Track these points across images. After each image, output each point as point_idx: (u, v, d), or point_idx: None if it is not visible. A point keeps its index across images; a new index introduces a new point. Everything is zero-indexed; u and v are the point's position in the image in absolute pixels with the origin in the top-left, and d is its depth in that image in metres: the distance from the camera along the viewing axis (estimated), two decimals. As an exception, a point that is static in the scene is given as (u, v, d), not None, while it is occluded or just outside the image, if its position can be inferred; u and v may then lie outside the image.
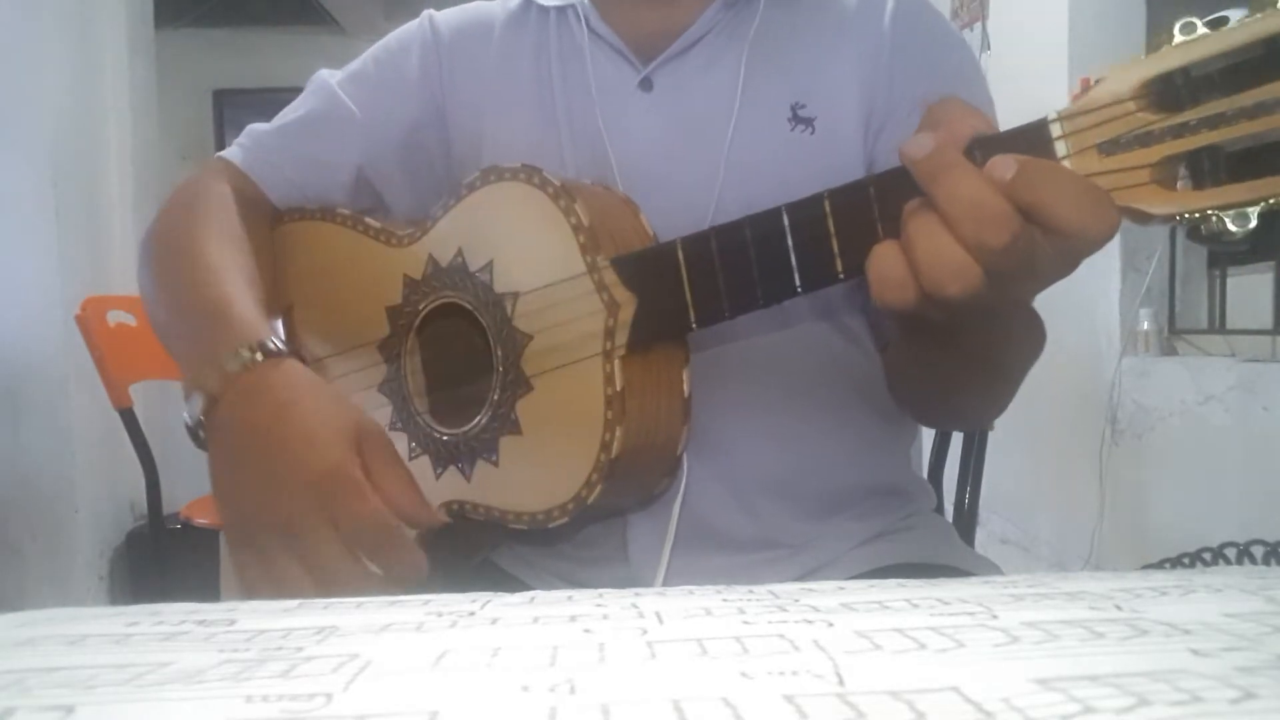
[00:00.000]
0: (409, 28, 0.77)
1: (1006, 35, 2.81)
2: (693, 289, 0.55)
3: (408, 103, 0.74)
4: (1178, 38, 0.41)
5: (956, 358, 0.58)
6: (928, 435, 0.90)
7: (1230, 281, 2.18)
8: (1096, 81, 0.44)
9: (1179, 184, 0.42)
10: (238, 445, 0.54)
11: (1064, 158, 0.44)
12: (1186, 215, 0.42)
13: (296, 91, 0.78)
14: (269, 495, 0.52)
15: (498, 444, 0.62)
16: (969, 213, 0.42)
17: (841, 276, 0.50)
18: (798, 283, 0.52)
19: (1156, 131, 0.42)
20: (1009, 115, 0.70)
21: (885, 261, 0.45)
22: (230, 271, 0.63)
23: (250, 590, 0.55)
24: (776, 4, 0.70)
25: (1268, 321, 1.99)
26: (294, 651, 0.26)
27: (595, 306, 0.58)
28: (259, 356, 0.55)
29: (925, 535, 0.73)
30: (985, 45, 2.85)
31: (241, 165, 0.74)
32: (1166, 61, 0.41)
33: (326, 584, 0.52)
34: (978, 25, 2.91)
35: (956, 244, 0.43)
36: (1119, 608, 0.28)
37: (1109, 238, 0.43)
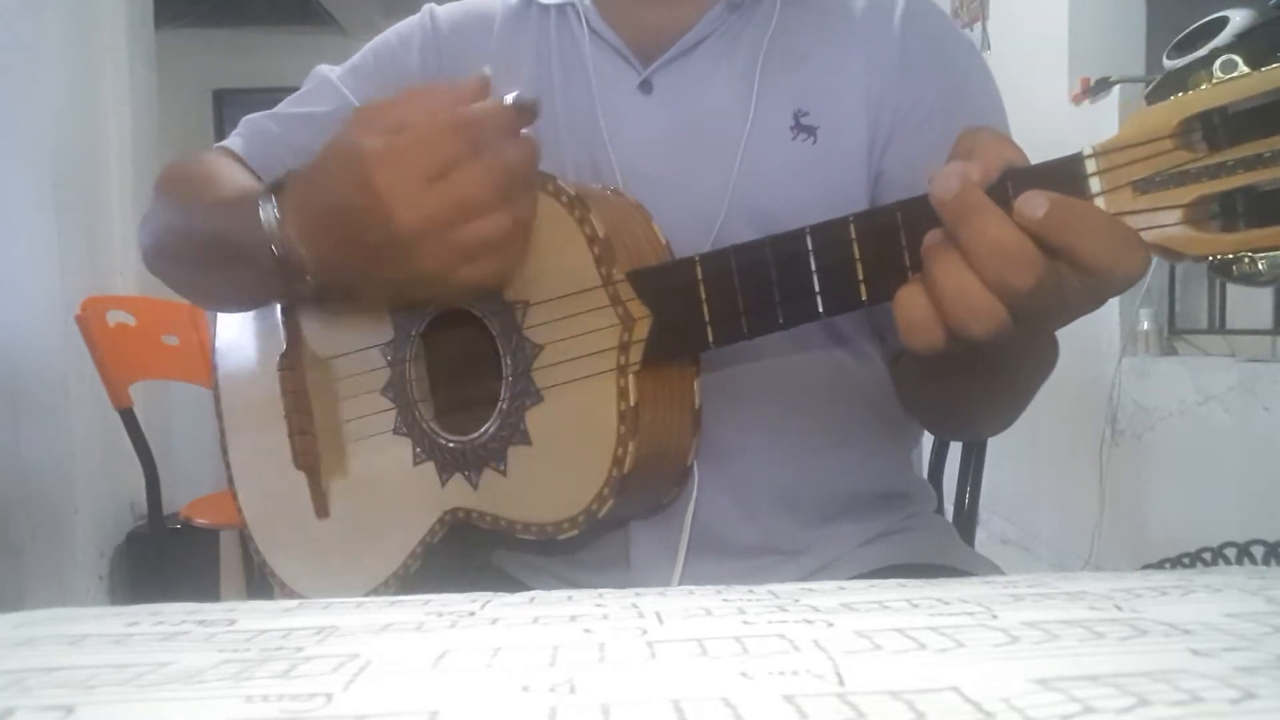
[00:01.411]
0: (409, 22, 0.77)
1: (1006, 35, 2.81)
2: (711, 308, 0.54)
3: None
4: (1217, 75, 0.41)
5: (972, 378, 0.58)
6: (928, 436, 0.90)
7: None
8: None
9: (1211, 223, 0.41)
10: (339, 214, 0.53)
11: (1098, 194, 0.43)
12: (1218, 256, 0.41)
13: (296, 92, 0.77)
14: (402, 206, 0.51)
15: (506, 453, 0.62)
16: (994, 254, 0.42)
17: (865, 302, 0.50)
18: (820, 306, 0.51)
19: (1193, 170, 0.41)
20: (1009, 115, 0.70)
21: (911, 305, 0.45)
22: (244, 175, 0.67)
23: (459, 278, 0.53)
24: (784, 9, 0.69)
25: (1268, 321, 1.99)
26: (294, 651, 0.26)
27: (610, 320, 0.57)
28: (271, 198, 0.56)
29: (926, 536, 0.72)
30: (985, 45, 2.85)
31: (242, 154, 0.74)
32: (1205, 100, 0.41)
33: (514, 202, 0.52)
34: (978, 25, 2.91)
35: (981, 285, 0.42)
36: (1119, 608, 0.28)
37: (1138, 279, 0.43)
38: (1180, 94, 0.42)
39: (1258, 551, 1.63)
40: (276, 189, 0.56)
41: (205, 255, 0.67)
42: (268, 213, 0.56)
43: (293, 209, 0.55)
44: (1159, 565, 1.81)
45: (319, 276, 0.56)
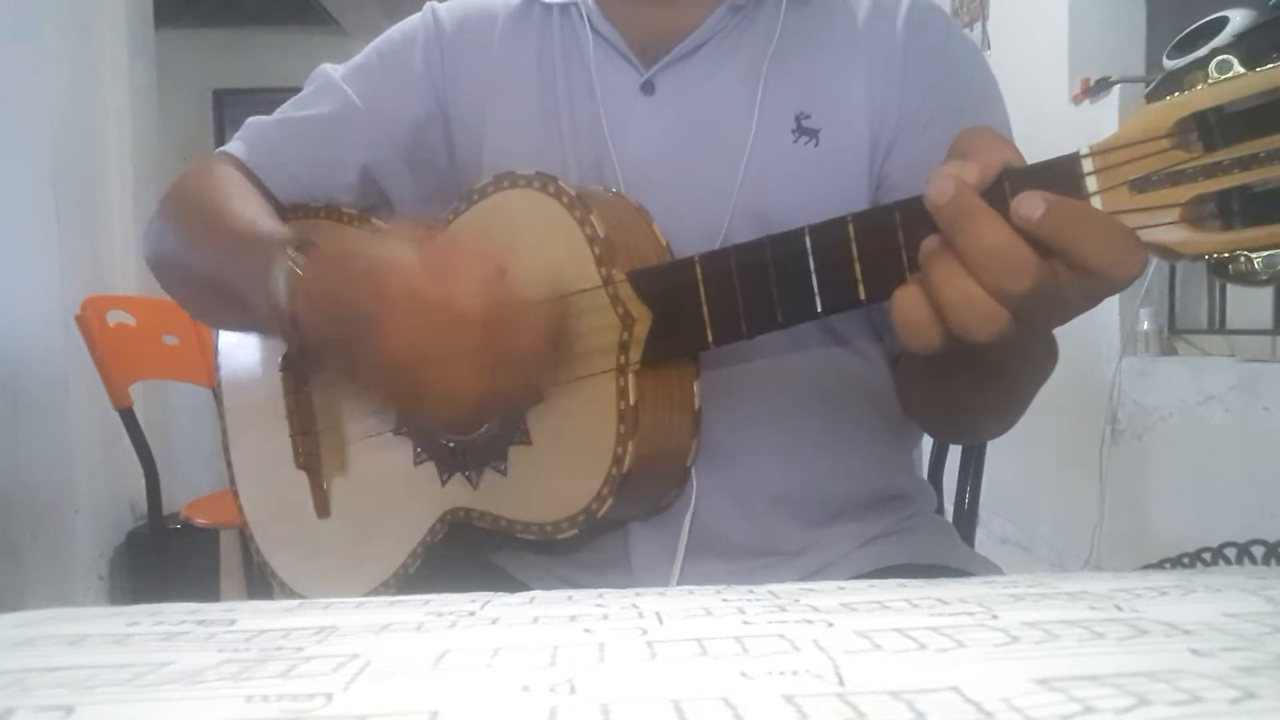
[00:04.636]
0: (412, 20, 0.76)
1: (1006, 35, 2.81)
2: (711, 307, 0.55)
3: (412, 96, 0.73)
4: (1213, 75, 0.41)
5: (971, 379, 0.58)
6: (929, 436, 0.90)
7: (1230, 281, 2.17)
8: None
9: (1208, 223, 0.42)
10: (350, 322, 0.51)
11: (1094, 193, 0.43)
12: (1215, 255, 0.41)
13: (296, 92, 0.77)
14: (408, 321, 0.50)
15: (506, 453, 0.62)
16: (990, 260, 0.42)
17: (863, 301, 0.50)
18: (819, 306, 0.51)
19: (1189, 170, 0.41)
20: (1009, 115, 0.70)
21: (908, 307, 0.45)
22: (254, 205, 0.65)
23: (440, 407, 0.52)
24: (787, 11, 0.69)
25: (1268, 321, 1.99)
26: (294, 651, 0.26)
27: (610, 320, 0.57)
28: (298, 255, 0.54)
29: (926, 536, 0.72)
30: (985, 45, 2.85)
31: (245, 160, 0.73)
32: (1201, 100, 0.41)
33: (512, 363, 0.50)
34: (978, 25, 2.91)
35: (982, 290, 0.43)
36: (1119, 608, 0.28)
37: (1136, 278, 0.43)
38: (1176, 94, 0.42)
39: (1258, 551, 1.63)
40: (296, 246, 0.55)
41: (205, 292, 0.67)
42: (277, 282, 0.54)
43: (308, 297, 0.53)
44: (1159, 565, 1.81)
45: (305, 352, 0.56)
